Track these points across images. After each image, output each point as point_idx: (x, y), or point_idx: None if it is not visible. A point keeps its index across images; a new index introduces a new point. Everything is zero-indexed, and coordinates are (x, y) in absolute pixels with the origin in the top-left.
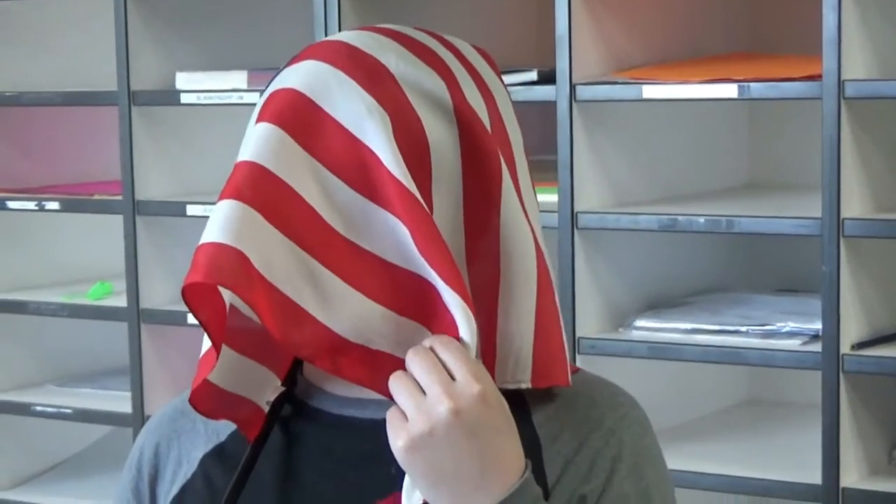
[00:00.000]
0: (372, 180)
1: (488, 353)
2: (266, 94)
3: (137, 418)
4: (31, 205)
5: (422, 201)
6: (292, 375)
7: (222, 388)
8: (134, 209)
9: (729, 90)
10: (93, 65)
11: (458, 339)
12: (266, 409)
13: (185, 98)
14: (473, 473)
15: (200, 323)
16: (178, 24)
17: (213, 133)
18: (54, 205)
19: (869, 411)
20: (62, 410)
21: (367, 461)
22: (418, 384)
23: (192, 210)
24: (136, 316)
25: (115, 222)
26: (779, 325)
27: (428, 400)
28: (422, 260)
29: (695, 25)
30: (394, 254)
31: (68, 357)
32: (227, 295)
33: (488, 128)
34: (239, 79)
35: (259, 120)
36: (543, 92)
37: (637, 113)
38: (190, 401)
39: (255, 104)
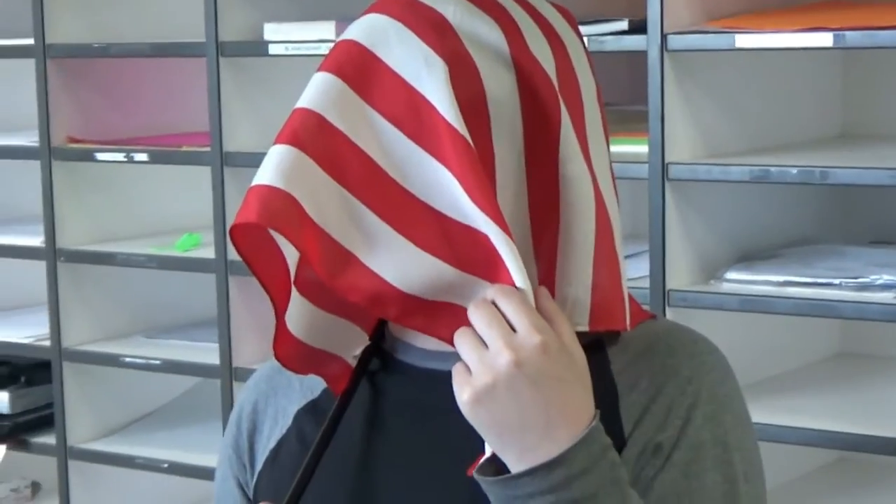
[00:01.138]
0: (427, 129)
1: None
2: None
3: (225, 370)
4: (120, 156)
5: (472, 147)
6: (380, 330)
7: (309, 345)
8: (222, 161)
9: (824, 39)
10: (181, 16)
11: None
12: (353, 364)
13: (272, 49)
14: (539, 424)
15: (248, 266)
16: None
17: (301, 84)
18: (143, 156)
19: None
20: (151, 362)
21: (450, 413)
22: (481, 338)
23: None
24: (224, 267)
25: (204, 174)
26: (872, 277)
27: (489, 353)
28: (473, 209)
29: None
30: (447, 205)
31: (157, 308)
32: (292, 254)
33: (552, 76)
34: (327, 29)
35: (318, 70)
36: (634, 41)
37: (729, 63)
38: (276, 357)
39: None
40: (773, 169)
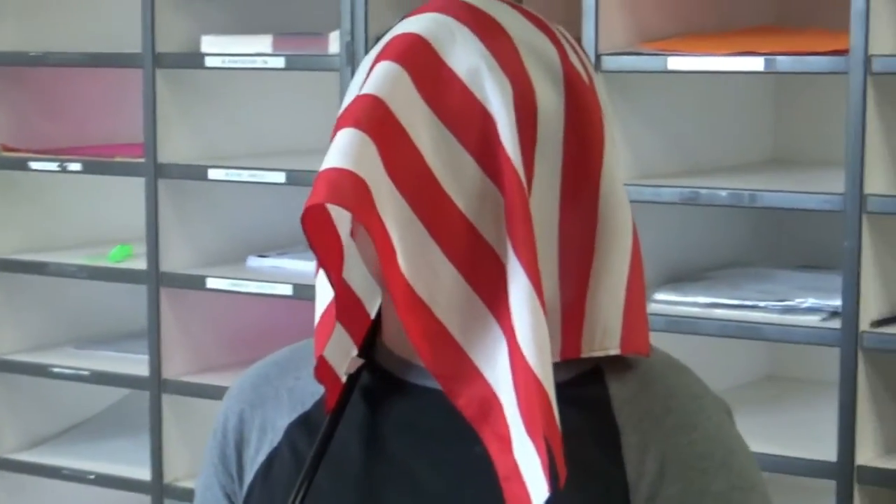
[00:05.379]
0: (483, 144)
1: (575, 321)
2: (383, 41)
3: (154, 382)
4: (54, 166)
5: (524, 184)
6: (369, 342)
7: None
8: (155, 172)
9: (755, 63)
10: (119, 26)
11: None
12: (344, 378)
13: (209, 61)
14: None
15: (315, 252)
16: None
17: (237, 97)
18: (76, 166)
19: (886, 389)
20: (80, 372)
21: (451, 437)
22: None
23: (213, 174)
24: (155, 279)
25: (137, 185)
26: (798, 300)
27: None
28: (508, 242)
29: None
30: (483, 223)
31: (87, 319)
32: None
33: (595, 93)
34: (264, 43)
35: (378, 60)
36: None
37: (662, 84)
38: (316, 370)
39: (278, 69)
40: (703, 191)
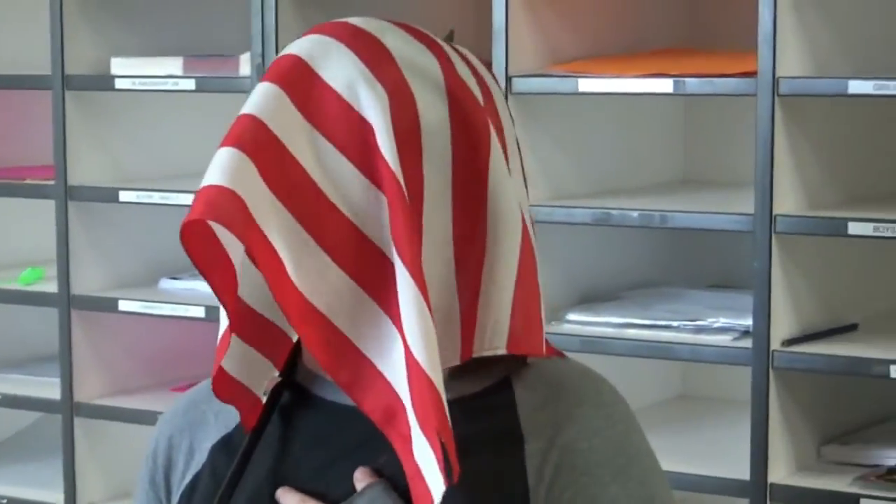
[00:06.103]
0: (364, 152)
1: (470, 321)
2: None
3: (66, 405)
4: None
5: (403, 188)
6: (293, 362)
7: (231, 376)
8: (66, 194)
9: (664, 85)
10: (27, 48)
11: (403, 334)
12: (263, 399)
13: (119, 83)
14: None
15: (198, 269)
16: (113, 9)
17: (148, 119)
18: None
19: (798, 408)
20: None
21: (359, 449)
22: None
23: (124, 196)
24: (66, 302)
25: (48, 207)
26: (710, 320)
27: None
28: (391, 244)
29: (632, 20)
30: (372, 229)
31: None
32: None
33: (481, 105)
34: (174, 65)
35: (261, 80)
36: None
37: (573, 106)
38: (213, 387)
39: (189, 91)
40: (614, 212)
